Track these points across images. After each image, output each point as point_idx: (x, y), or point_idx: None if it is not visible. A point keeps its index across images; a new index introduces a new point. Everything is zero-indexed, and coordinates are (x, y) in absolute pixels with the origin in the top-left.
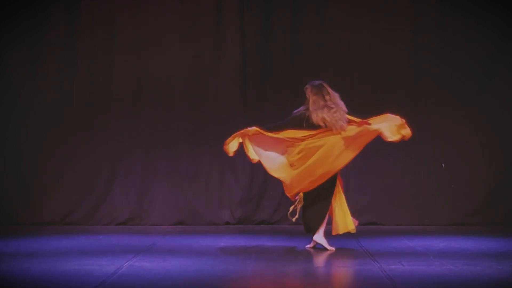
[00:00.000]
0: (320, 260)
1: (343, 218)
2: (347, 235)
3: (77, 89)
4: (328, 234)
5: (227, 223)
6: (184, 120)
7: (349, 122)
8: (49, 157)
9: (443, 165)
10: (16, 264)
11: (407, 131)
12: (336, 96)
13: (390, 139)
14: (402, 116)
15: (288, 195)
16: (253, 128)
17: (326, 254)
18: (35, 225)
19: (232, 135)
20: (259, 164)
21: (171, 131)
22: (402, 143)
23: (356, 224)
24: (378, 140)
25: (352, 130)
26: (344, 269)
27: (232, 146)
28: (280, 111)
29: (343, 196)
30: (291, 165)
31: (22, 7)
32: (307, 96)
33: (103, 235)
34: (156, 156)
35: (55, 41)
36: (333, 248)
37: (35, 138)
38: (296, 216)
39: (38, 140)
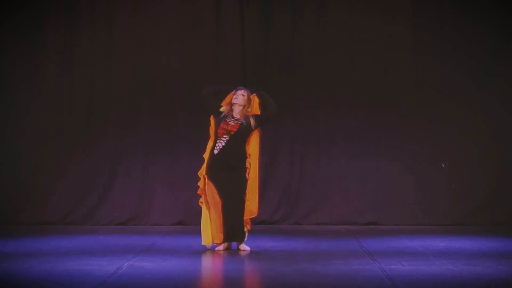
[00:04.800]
0: (319, 260)
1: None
2: (348, 234)
3: (76, 89)
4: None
5: None
6: (184, 120)
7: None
8: (49, 157)
9: (443, 165)
10: (16, 264)
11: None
12: None
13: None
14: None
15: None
16: None
17: (325, 254)
18: (35, 225)
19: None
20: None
21: (171, 131)
22: (402, 143)
23: None
24: (378, 140)
25: None
26: (344, 269)
27: None
28: (280, 111)
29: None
30: None
31: (21, 8)
32: (246, 101)
33: (103, 235)
34: (156, 156)
35: (55, 42)
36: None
37: (35, 138)
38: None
39: (38, 140)
